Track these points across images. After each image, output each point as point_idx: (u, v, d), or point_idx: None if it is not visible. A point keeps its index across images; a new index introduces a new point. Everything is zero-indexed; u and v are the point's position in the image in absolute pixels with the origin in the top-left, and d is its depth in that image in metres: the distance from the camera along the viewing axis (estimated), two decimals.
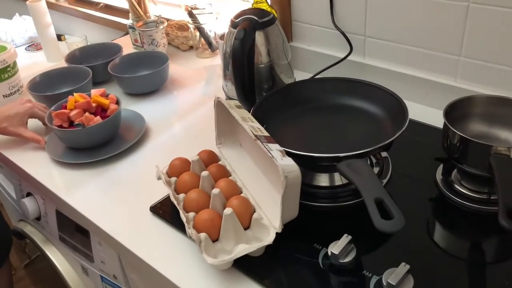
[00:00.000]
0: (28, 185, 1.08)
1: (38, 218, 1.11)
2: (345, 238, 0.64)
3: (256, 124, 0.73)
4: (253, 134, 0.68)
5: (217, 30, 1.29)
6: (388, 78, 1.02)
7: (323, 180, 0.79)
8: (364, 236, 0.67)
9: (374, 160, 0.83)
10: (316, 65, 1.12)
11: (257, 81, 0.97)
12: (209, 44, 1.31)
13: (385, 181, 0.78)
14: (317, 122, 0.84)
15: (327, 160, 0.70)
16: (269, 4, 1.13)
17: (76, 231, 0.96)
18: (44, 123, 1.02)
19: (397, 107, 0.77)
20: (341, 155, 0.67)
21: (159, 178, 0.79)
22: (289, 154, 0.68)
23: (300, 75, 1.15)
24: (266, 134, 0.70)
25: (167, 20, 1.40)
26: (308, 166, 0.78)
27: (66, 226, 0.99)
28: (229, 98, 1.03)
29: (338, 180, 0.79)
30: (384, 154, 0.83)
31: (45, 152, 0.98)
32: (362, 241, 0.66)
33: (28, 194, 1.10)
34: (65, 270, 1.09)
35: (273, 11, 1.08)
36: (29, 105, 1.00)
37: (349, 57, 1.07)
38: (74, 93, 0.99)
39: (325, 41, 1.12)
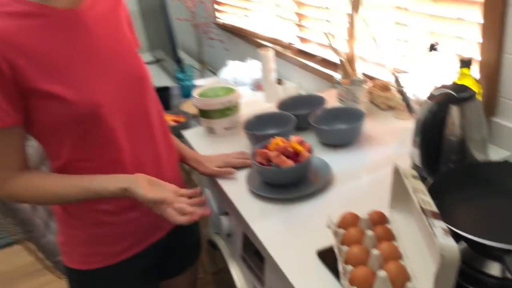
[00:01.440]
0: (227, 206, 1.29)
1: (229, 235, 1.30)
2: None
3: (427, 198, 0.75)
4: (421, 207, 0.71)
5: (419, 94, 1.32)
6: None
7: (494, 268, 0.76)
8: None
9: None
10: None
11: (445, 152, 0.98)
12: (409, 107, 1.35)
13: None
14: (498, 207, 0.81)
15: (499, 250, 0.69)
16: (475, 79, 1.12)
17: (254, 255, 1.10)
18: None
19: None
20: None
21: (328, 227, 0.87)
22: (457, 235, 0.69)
23: (498, 152, 1.10)
24: (434, 210, 0.73)
25: (372, 78, 1.49)
26: (479, 250, 0.77)
27: (248, 248, 1.15)
28: (414, 164, 1.06)
29: None
30: None
31: (245, 182, 1.16)
32: None
33: (226, 213, 1.31)
34: (241, 286, 1.26)
35: (478, 86, 1.07)
36: (226, 159, 1.26)
37: None
38: (277, 137, 1.16)
39: None
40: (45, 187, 0.97)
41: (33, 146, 1.55)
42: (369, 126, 1.36)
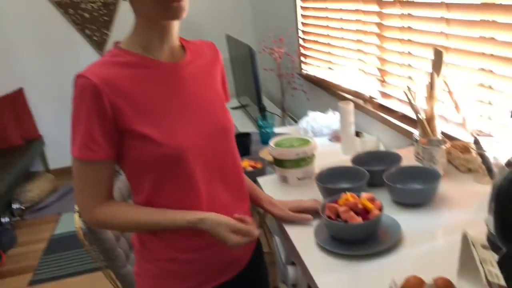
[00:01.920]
0: (293, 255, 1.31)
1: (294, 286, 1.31)
2: None
3: (495, 270, 0.73)
4: (486, 279, 0.69)
5: (500, 159, 1.27)
6: None
7: None
8: None
9: None
10: None
11: None
12: (489, 171, 1.30)
13: None
14: None
15: None
16: None
17: None
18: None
19: None
20: None
21: None
22: None
23: None
24: (502, 283, 0.70)
25: (452, 139, 1.46)
26: None
27: None
28: (489, 232, 1.01)
29: None
30: None
31: (312, 234, 1.18)
32: None
33: (293, 263, 1.32)
34: None
35: None
36: (298, 203, 1.29)
37: None
38: (347, 192, 1.17)
39: None
40: (126, 215, 1.08)
41: (123, 181, 1.70)
42: (446, 187, 1.32)
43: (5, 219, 3.41)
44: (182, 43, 1.14)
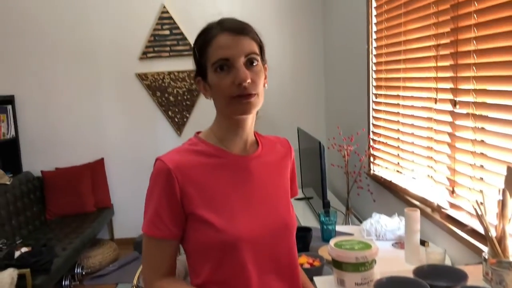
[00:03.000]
0: None
1: None
2: None
3: None
4: None
5: None
6: None
7: None
8: None
9: None
10: None
11: None
12: None
13: None
14: None
15: None
16: None
17: None
18: None
19: None
20: None
21: None
22: None
23: None
24: None
25: None
26: None
27: None
28: None
29: None
30: None
31: None
32: None
33: None
34: None
35: None
36: None
37: None
38: None
39: None
40: None
41: (180, 261, 1.74)
42: None
43: (66, 282, 3.52)
44: (257, 138, 1.22)
